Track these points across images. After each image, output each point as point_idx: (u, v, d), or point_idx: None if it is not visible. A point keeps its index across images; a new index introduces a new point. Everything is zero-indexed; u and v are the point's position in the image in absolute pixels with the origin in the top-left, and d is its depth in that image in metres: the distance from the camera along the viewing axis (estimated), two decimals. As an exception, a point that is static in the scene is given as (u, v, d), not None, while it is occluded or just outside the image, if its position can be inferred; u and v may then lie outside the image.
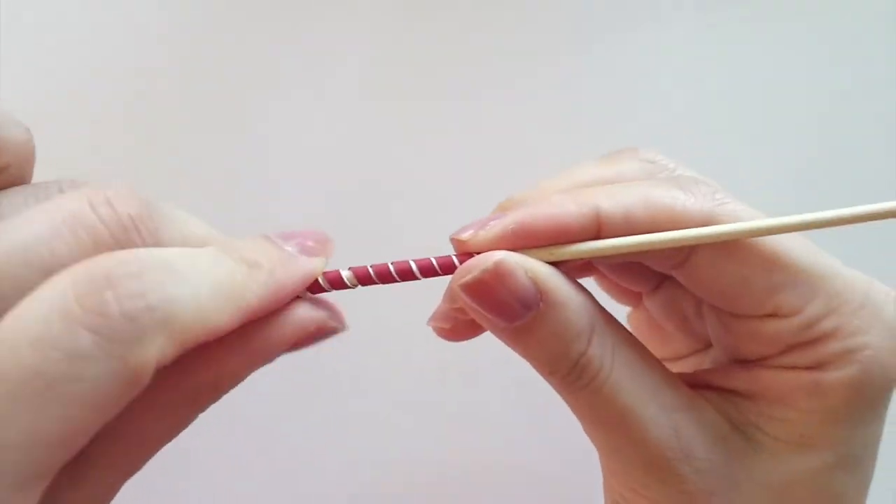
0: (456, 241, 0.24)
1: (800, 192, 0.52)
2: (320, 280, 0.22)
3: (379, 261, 0.24)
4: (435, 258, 0.24)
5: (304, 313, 0.22)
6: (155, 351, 0.18)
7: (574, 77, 0.52)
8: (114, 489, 0.21)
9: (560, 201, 0.24)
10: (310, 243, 0.23)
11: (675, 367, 0.30)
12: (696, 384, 0.26)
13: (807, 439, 0.24)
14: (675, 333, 0.30)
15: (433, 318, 0.26)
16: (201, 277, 0.20)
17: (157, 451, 0.21)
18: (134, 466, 0.21)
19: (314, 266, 0.22)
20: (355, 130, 0.52)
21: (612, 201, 0.23)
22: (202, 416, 0.22)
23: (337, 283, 0.23)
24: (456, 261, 0.23)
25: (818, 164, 0.53)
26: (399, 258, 0.24)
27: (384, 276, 0.23)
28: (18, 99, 0.49)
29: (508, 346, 0.24)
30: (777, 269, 0.23)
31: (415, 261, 0.24)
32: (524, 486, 0.49)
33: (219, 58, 0.53)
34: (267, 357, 0.22)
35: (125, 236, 0.20)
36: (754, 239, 0.23)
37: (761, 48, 0.52)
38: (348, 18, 0.52)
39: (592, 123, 0.52)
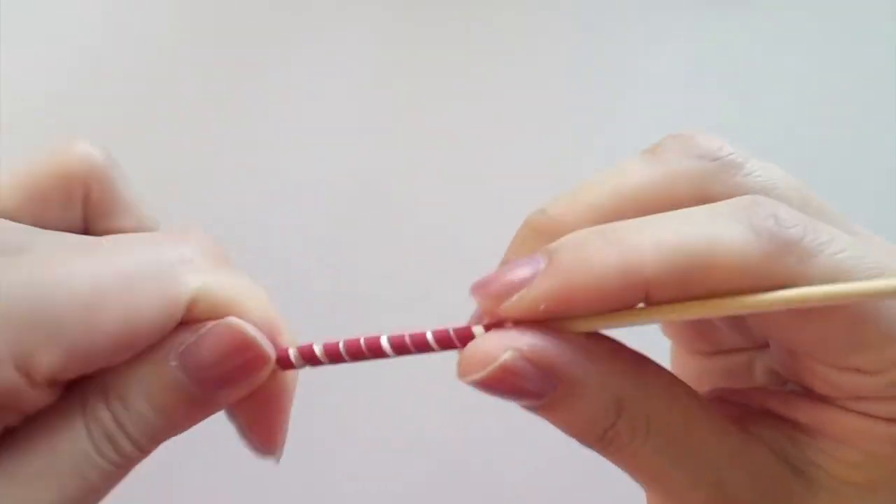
0: (477, 296, 0.21)
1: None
2: (291, 354, 0.21)
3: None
4: (410, 337, 0.21)
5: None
6: (198, 279, 0.20)
7: (578, 79, 0.52)
8: None
9: (601, 262, 0.19)
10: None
11: (715, 362, 0.27)
12: (749, 407, 0.24)
13: (873, 483, 0.22)
14: (723, 326, 0.26)
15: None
16: (247, 282, 0.21)
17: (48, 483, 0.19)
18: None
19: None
20: (356, 132, 0.52)
21: (663, 260, 0.19)
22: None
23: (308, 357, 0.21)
24: (430, 339, 0.21)
25: (821, 164, 0.53)
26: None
27: (354, 354, 0.21)
28: (19, 99, 0.49)
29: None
30: (866, 325, 0.20)
31: (389, 339, 0.22)
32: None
33: (218, 58, 0.53)
34: (158, 362, 0.20)
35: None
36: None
37: (767, 49, 0.52)
38: (349, 21, 0.52)
39: (595, 124, 0.52)
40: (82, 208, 0.23)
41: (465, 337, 0.21)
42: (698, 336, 0.27)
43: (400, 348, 0.21)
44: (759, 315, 0.20)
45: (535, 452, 0.50)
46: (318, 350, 0.21)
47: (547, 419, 0.22)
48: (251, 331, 0.20)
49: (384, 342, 0.21)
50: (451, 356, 0.21)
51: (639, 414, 0.21)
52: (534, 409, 0.21)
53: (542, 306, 0.20)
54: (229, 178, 0.52)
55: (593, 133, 0.51)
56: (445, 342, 0.21)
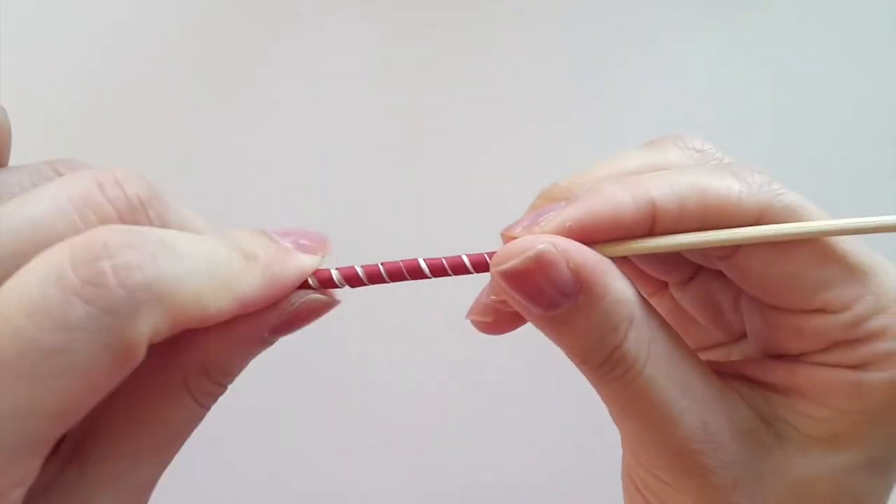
0: (507, 237, 0.23)
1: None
2: (310, 279, 0.23)
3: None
4: (446, 259, 0.24)
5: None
6: (149, 326, 0.18)
7: (578, 79, 0.52)
8: (130, 486, 0.21)
9: (614, 193, 0.23)
10: (304, 241, 0.23)
11: (718, 352, 0.30)
12: (726, 374, 0.26)
13: (838, 438, 0.24)
14: (703, 324, 0.29)
15: (473, 312, 0.26)
16: (199, 260, 0.20)
17: (167, 447, 0.21)
18: (144, 459, 0.21)
19: (308, 263, 0.22)
20: (356, 134, 0.52)
21: (667, 192, 0.23)
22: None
23: (327, 283, 0.23)
24: (466, 261, 0.24)
25: (825, 164, 0.53)
26: (400, 257, 0.24)
27: (374, 277, 0.23)
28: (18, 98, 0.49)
29: (541, 331, 0.24)
30: (828, 265, 0.23)
31: (421, 261, 0.24)
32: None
33: (218, 59, 0.53)
34: (255, 340, 0.22)
35: (132, 217, 0.20)
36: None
37: (769, 58, 0.52)
38: (350, 23, 0.52)
39: (595, 123, 0.52)
40: None
41: (456, 265, 0.23)
42: (686, 335, 0.30)
43: (437, 269, 0.23)
44: (739, 265, 0.24)
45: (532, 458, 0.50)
46: (359, 271, 0.23)
47: (556, 337, 0.23)
48: (325, 299, 0.23)
49: (422, 263, 0.23)
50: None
51: (644, 336, 0.23)
52: (547, 321, 0.23)
53: (568, 224, 0.23)
54: (229, 178, 0.52)
55: (592, 134, 0.51)
56: (482, 265, 0.23)
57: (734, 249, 0.24)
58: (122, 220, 0.20)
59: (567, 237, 0.23)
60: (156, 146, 0.52)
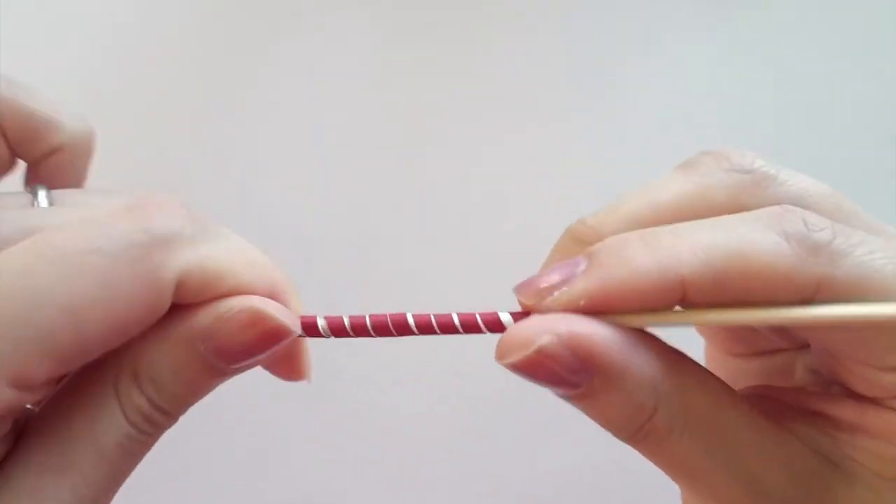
0: (520, 303, 0.22)
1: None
2: (320, 325, 0.22)
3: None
4: (435, 317, 0.22)
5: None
6: (178, 266, 0.19)
7: (578, 78, 0.52)
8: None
9: (639, 262, 0.20)
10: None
11: (753, 363, 0.27)
12: (786, 404, 0.24)
13: None
14: (761, 330, 0.27)
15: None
16: (239, 242, 0.21)
17: (95, 471, 0.20)
18: (69, 478, 0.20)
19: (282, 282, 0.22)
20: (356, 134, 0.52)
21: (699, 261, 0.20)
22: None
23: (311, 330, 0.22)
24: (456, 320, 0.22)
25: (825, 164, 0.53)
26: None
27: (359, 330, 0.22)
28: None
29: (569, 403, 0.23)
30: None
31: (400, 319, 0.22)
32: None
33: (218, 59, 0.53)
34: (188, 349, 0.21)
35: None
36: (887, 290, 0.20)
37: (769, 58, 0.52)
38: (350, 23, 0.52)
39: (595, 122, 0.52)
40: (3, 142, 0.23)
41: (490, 322, 0.22)
42: (736, 337, 0.27)
43: (424, 327, 0.22)
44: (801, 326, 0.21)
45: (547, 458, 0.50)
46: (346, 322, 0.22)
47: (583, 411, 0.22)
48: (272, 310, 0.21)
49: (409, 319, 0.22)
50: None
51: (676, 408, 0.21)
52: (570, 398, 0.22)
53: (582, 302, 0.21)
54: (229, 178, 0.52)
55: (592, 134, 0.51)
56: (471, 326, 0.22)
57: (809, 299, 0.21)
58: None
59: (583, 312, 0.21)
60: (156, 146, 0.52)
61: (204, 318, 0.21)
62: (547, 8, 0.52)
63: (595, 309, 0.21)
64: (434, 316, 0.22)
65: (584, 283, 0.21)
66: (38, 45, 0.52)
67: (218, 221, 0.23)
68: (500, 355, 0.21)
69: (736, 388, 0.23)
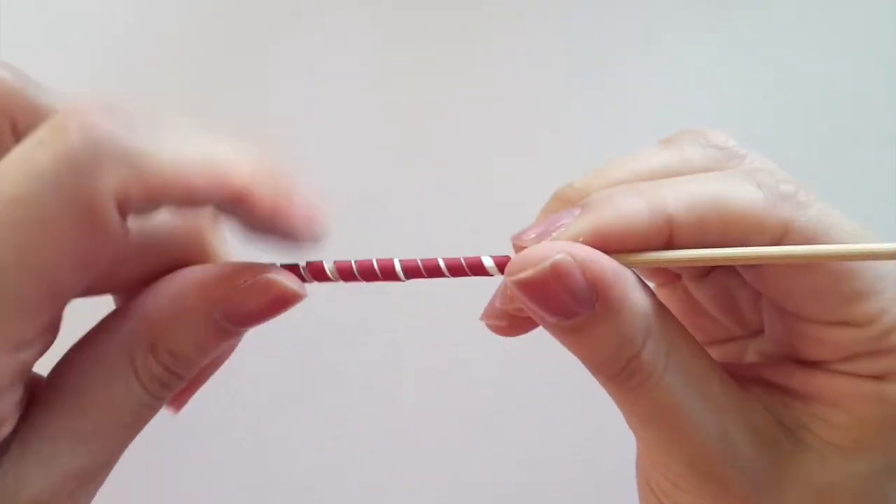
0: (518, 246, 0.23)
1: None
2: (302, 270, 0.23)
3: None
4: (422, 261, 0.23)
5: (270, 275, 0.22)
6: (111, 181, 0.18)
7: (579, 76, 0.52)
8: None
9: (630, 204, 0.22)
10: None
11: (711, 352, 0.28)
12: (745, 377, 0.25)
13: (859, 444, 0.23)
14: (717, 318, 0.29)
15: (486, 315, 0.25)
16: (190, 136, 0.20)
17: (110, 434, 0.21)
18: (84, 442, 0.21)
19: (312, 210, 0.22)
20: (356, 133, 0.52)
21: (685, 204, 0.22)
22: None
23: (320, 275, 0.23)
24: (464, 262, 0.23)
25: (825, 165, 0.53)
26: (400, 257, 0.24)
27: (368, 274, 0.23)
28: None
29: (556, 339, 0.23)
30: (853, 279, 0.22)
31: (416, 261, 0.23)
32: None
33: (218, 59, 0.53)
34: (206, 320, 0.21)
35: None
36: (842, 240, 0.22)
37: (769, 57, 0.52)
38: (351, 23, 0.52)
39: (596, 121, 0.52)
40: (13, 138, 0.22)
41: (474, 265, 0.23)
42: (692, 326, 0.28)
43: (411, 272, 0.23)
44: (761, 273, 0.23)
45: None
46: (354, 267, 0.22)
47: (572, 345, 0.23)
48: (287, 283, 0.22)
49: (396, 264, 0.23)
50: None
51: (661, 347, 0.22)
52: (564, 329, 0.22)
53: (581, 240, 0.22)
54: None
55: (592, 132, 0.51)
56: (456, 269, 0.23)
57: (780, 237, 0.23)
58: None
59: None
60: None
61: (221, 288, 0.21)
62: (547, 8, 0.52)
63: (594, 245, 0.22)
64: (420, 260, 0.22)
65: (580, 224, 0.22)
66: (37, 45, 0.52)
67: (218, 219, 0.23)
68: (514, 270, 0.22)
69: None
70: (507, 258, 0.23)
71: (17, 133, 0.22)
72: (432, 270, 0.23)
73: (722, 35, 0.53)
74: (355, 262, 0.23)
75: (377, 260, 0.23)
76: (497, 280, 0.24)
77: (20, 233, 0.18)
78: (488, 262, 0.23)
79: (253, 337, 0.23)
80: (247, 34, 0.53)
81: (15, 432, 0.20)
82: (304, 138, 0.52)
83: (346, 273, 0.22)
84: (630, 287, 0.22)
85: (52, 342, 0.20)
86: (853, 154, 0.54)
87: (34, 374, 0.21)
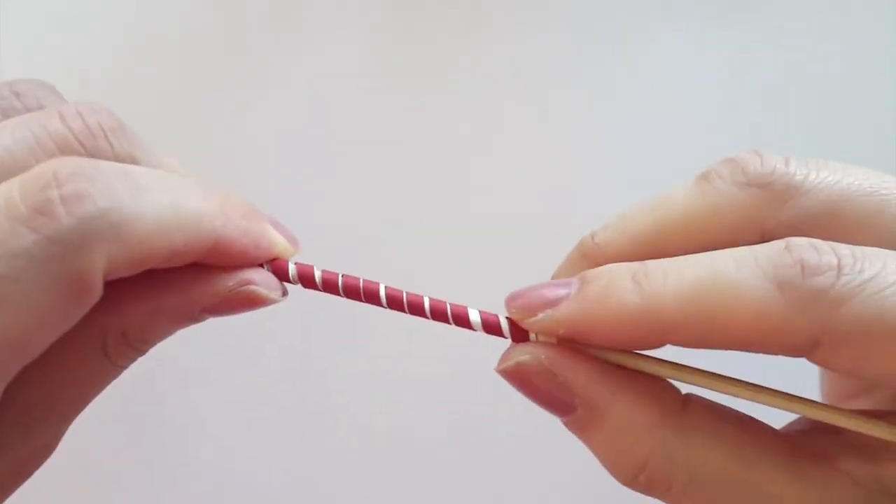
0: (507, 308, 0.22)
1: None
2: (291, 270, 0.23)
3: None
4: (407, 295, 0.22)
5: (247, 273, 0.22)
6: (102, 257, 0.18)
7: (580, 74, 0.52)
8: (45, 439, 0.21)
9: (623, 299, 0.19)
10: (279, 229, 0.23)
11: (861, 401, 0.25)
12: (838, 443, 0.21)
13: None
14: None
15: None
16: (162, 193, 0.19)
17: (74, 405, 0.22)
18: (47, 414, 0.21)
19: (280, 239, 0.22)
20: (357, 131, 0.52)
21: (682, 310, 0.19)
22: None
23: (307, 279, 0.23)
24: (427, 306, 0.22)
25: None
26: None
27: (349, 291, 0.23)
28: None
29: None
30: None
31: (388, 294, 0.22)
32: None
33: (218, 58, 0.53)
34: (184, 316, 0.22)
35: (95, 147, 0.20)
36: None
37: (769, 57, 0.52)
38: (348, 20, 0.52)
39: (598, 121, 0.51)
40: None
41: (459, 315, 0.22)
42: (838, 380, 0.25)
43: (393, 302, 0.22)
44: (823, 362, 0.19)
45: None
46: (317, 275, 0.22)
47: (583, 441, 0.21)
48: (267, 293, 0.22)
49: (381, 290, 0.22)
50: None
51: (675, 453, 0.20)
52: (568, 426, 0.21)
53: (562, 330, 0.20)
54: (230, 177, 0.52)
55: (596, 134, 0.51)
56: (440, 314, 0.22)
57: (810, 349, 0.19)
58: (86, 151, 0.20)
59: (563, 338, 0.21)
60: (157, 142, 0.52)
61: (204, 295, 0.21)
62: (548, 8, 0.52)
63: (573, 338, 0.20)
64: (406, 293, 0.22)
65: (567, 310, 0.20)
66: (36, 44, 0.52)
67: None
68: (499, 361, 0.21)
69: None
70: (496, 317, 0.22)
71: None
72: (415, 308, 0.22)
73: (732, 31, 0.53)
74: (342, 276, 0.22)
75: (363, 280, 0.22)
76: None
77: (9, 312, 0.17)
78: (474, 318, 0.22)
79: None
80: (244, 34, 0.53)
81: None
82: (306, 135, 0.52)
83: (330, 285, 0.22)
84: (617, 394, 0.20)
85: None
86: (853, 154, 0.54)
87: None
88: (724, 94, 0.50)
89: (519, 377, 0.21)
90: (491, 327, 0.22)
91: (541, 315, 0.20)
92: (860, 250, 0.18)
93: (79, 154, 0.20)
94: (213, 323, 0.23)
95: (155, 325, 0.22)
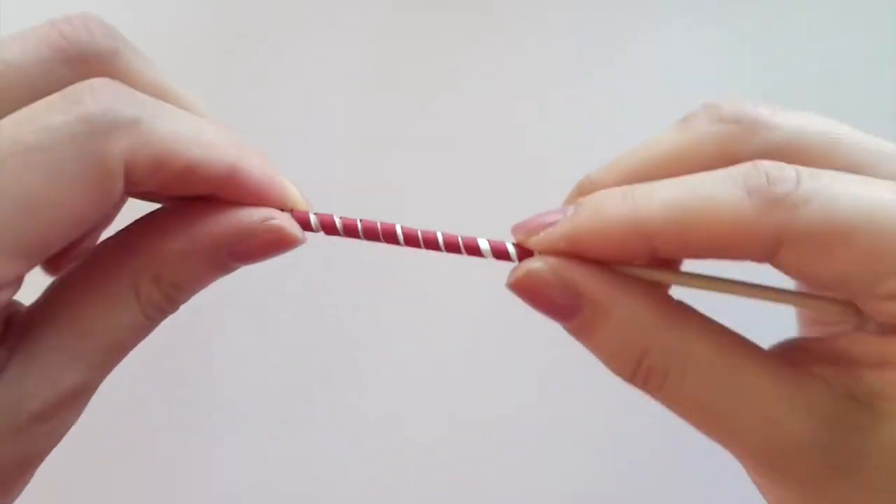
0: (514, 235, 0.24)
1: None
2: (312, 219, 0.24)
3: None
4: (422, 232, 0.25)
5: (266, 212, 0.23)
6: (123, 146, 0.20)
7: (580, 80, 0.52)
8: (80, 388, 0.22)
9: (612, 214, 0.22)
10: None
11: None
12: (811, 359, 0.24)
13: None
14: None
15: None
16: (186, 118, 0.22)
17: (106, 354, 0.22)
18: (80, 360, 0.22)
19: (294, 189, 0.24)
20: (355, 129, 0.52)
21: (664, 215, 0.22)
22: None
23: (328, 227, 0.24)
24: (440, 240, 0.25)
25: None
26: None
27: (369, 233, 0.25)
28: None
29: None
30: (878, 260, 0.21)
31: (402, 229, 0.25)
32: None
33: (218, 57, 0.53)
34: (212, 258, 0.23)
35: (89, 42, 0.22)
36: (849, 231, 0.20)
37: (769, 57, 0.52)
38: (348, 21, 0.52)
39: (599, 117, 0.51)
40: None
41: (471, 246, 0.24)
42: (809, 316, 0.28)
43: (410, 239, 0.24)
44: (785, 265, 0.22)
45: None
46: (337, 221, 0.24)
47: (586, 346, 0.24)
48: (291, 230, 0.23)
49: (398, 230, 0.24)
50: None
51: (671, 345, 0.23)
52: (571, 331, 0.24)
53: (562, 244, 0.23)
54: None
55: (596, 130, 0.51)
56: (453, 246, 0.25)
57: (771, 254, 0.22)
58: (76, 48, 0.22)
59: (562, 252, 0.23)
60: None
61: (233, 229, 0.23)
62: (547, 5, 0.52)
63: (572, 251, 0.23)
64: (420, 231, 0.24)
65: (565, 226, 0.23)
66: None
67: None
68: (506, 281, 0.24)
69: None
70: (502, 243, 0.24)
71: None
72: (430, 243, 0.24)
73: (722, 31, 0.53)
74: (360, 220, 0.24)
75: (381, 223, 0.24)
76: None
77: (29, 178, 0.19)
78: (483, 245, 0.24)
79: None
80: (243, 33, 0.53)
81: (14, 350, 0.21)
82: (306, 132, 0.52)
83: (350, 229, 0.24)
84: (618, 292, 0.23)
85: (17, 291, 0.21)
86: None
87: (15, 304, 0.23)
88: (724, 89, 0.50)
89: (529, 286, 0.23)
90: (499, 253, 0.24)
91: (542, 233, 0.23)
92: (815, 170, 0.22)
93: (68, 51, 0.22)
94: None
95: (185, 268, 0.23)
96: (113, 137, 0.20)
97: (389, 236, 0.24)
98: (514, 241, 0.24)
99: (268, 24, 0.52)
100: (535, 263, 0.23)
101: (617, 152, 0.51)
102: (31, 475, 0.23)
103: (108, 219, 0.25)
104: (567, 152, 0.50)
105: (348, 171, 0.51)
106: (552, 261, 0.23)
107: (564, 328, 0.24)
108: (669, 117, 0.49)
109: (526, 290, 0.23)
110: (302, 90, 0.51)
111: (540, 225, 0.23)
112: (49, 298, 0.23)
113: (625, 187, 0.23)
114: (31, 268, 0.21)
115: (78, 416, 0.23)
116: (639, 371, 0.23)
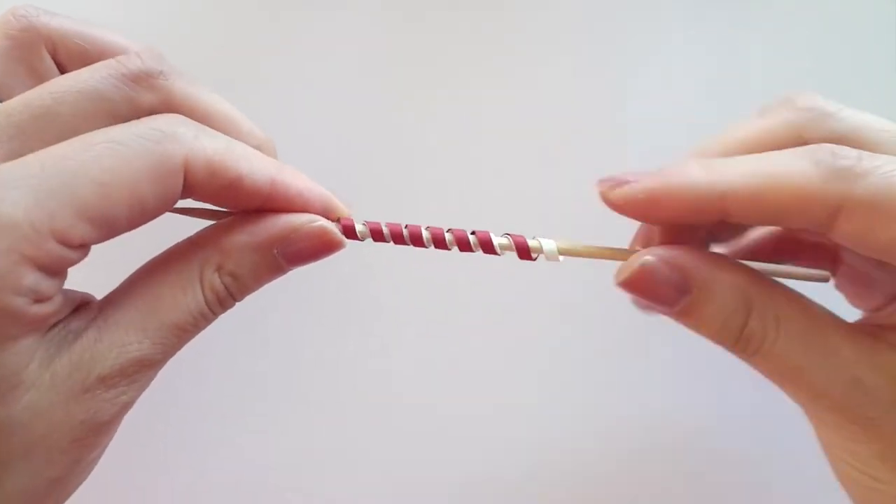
0: (598, 189, 0.26)
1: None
2: (358, 228, 0.27)
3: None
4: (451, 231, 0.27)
5: (314, 218, 0.27)
6: (183, 151, 0.24)
7: (577, 71, 0.52)
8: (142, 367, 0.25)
9: (692, 175, 0.25)
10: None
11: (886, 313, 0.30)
12: (888, 327, 0.27)
13: None
14: (880, 278, 0.30)
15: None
16: (229, 141, 0.26)
17: (170, 334, 0.25)
18: (148, 337, 0.25)
19: (334, 199, 0.28)
20: (352, 120, 0.51)
21: (739, 180, 0.24)
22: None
23: (349, 232, 0.27)
24: (448, 236, 0.28)
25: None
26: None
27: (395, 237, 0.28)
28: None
29: (681, 324, 0.27)
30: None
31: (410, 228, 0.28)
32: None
33: (218, 55, 0.52)
34: (266, 254, 0.26)
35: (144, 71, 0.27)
36: None
37: (769, 56, 0.52)
38: (347, 12, 0.52)
39: (591, 112, 0.51)
40: (55, 62, 0.29)
41: (485, 242, 0.27)
42: (871, 292, 0.30)
43: (462, 243, 0.28)
44: (842, 235, 0.24)
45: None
46: (384, 229, 0.28)
47: (692, 326, 0.26)
48: (335, 232, 0.27)
49: (445, 235, 0.28)
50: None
51: (767, 312, 0.25)
52: (677, 315, 0.26)
53: (641, 196, 0.25)
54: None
55: (595, 122, 0.51)
56: (488, 245, 0.27)
57: (828, 224, 0.24)
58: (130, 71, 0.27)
59: (642, 204, 0.25)
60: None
61: (283, 228, 0.26)
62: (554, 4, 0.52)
63: (650, 203, 0.25)
64: (469, 232, 0.27)
65: (645, 182, 0.25)
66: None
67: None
68: (616, 278, 0.26)
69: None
70: (521, 236, 0.27)
71: (59, 58, 0.29)
72: (486, 245, 0.27)
73: (720, 30, 0.53)
74: (405, 226, 0.28)
75: (407, 225, 0.28)
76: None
77: (107, 161, 0.23)
78: (499, 241, 0.27)
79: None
80: (243, 32, 0.53)
81: (93, 320, 0.25)
82: (307, 129, 0.52)
83: (396, 236, 0.27)
84: (719, 269, 0.26)
85: (82, 258, 0.24)
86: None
87: (89, 296, 0.26)
88: (724, 85, 0.50)
89: (642, 278, 0.26)
90: (520, 247, 0.27)
91: (626, 187, 0.25)
92: (873, 153, 0.24)
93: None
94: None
95: (244, 262, 0.26)
96: (176, 144, 0.24)
97: (439, 242, 0.27)
98: (598, 191, 0.26)
99: (267, 24, 0.52)
100: (646, 256, 0.26)
101: (623, 150, 0.51)
102: (99, 451, 0.26)
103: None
104: (574, 151, 0.50)
105: (348, 170, 0.51)
106: (658, 250, 0.26)
107: (666, 314, 0.26)
108: (679, 115, 0.49)
109: (640, 282, 0.26)
110: (302, 90, 0.51)
111: (624, 180, 0.26)
112: (128, 281, 0.26)
113: (703, 159, 0.26)
114: (94, 239, 0.24)
115: (138, 394, 0.26)
116: (741, 338, 0.26)
